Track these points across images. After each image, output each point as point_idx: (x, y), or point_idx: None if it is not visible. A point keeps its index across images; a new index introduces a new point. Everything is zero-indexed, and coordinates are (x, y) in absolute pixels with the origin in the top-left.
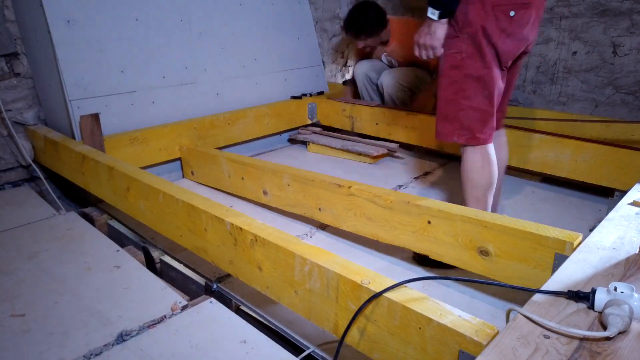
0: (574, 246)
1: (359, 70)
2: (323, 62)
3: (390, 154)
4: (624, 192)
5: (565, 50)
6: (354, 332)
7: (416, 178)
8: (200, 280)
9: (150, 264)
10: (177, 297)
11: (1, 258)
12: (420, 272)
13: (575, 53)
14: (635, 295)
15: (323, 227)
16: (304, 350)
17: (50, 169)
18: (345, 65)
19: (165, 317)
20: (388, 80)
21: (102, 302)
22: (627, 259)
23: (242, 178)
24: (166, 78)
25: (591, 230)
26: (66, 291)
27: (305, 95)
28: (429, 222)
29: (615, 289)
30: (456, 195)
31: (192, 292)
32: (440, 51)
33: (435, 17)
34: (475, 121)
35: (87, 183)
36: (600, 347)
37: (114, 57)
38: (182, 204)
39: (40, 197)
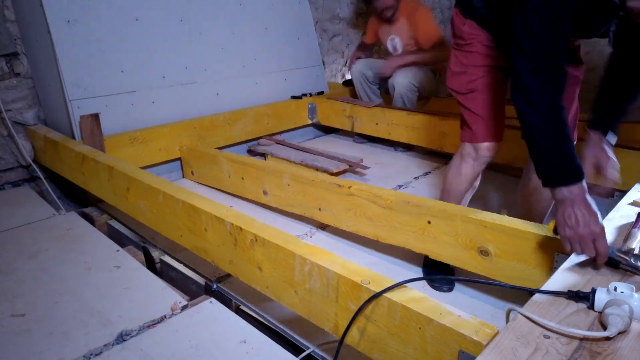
0: None
1: (355, 69)
2: (323, 62)
3: (352, 169)
4: (624, 192)
5: None
6: (354, 332)
7: (416, 178)
8: (200, 280)
9: (150, 264)
10: (177, 297)
11: (1, 258)
12: (420, 272)
13: None
14: (635, 295)
15: (323, 227)
16: (304, 350)
17: (50, 169)
18: (345, 65)
19: (165, 317)
20: (401, 80)
21: (102, 302)
22: None
23: (242, 178)
24: (166, 78)
25: None
26: (66, 291)
27: (305, 95)
28: (429, 222)
29: (615, 289)
30: None
31: (192, 292)
32: None
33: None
34: None
35: (87, 183)
36: (600, 347)
37: (114, 57)
38: (182, 204)
39: (40, 197)
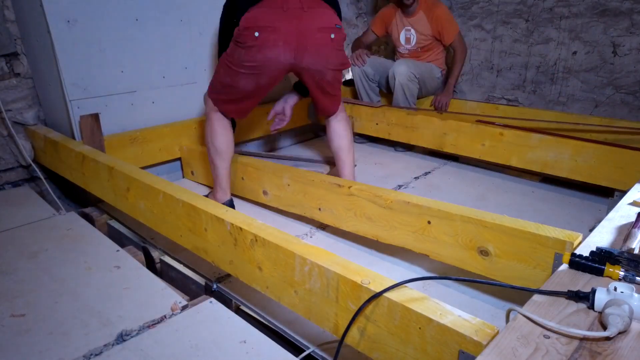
0: (574, 246)
1: (355, 66)
2: None
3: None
4: (624, 192)
5: (565, 50)
6: (354, 332)
7: (416, 178)
8: (200, 280)
9: (150, 264)
10: (177, 297)
11: (1, 258)
12: (420, 272)
13: (575, 53)
14: (635, 295)
15: (323, 227)
16: (304, 350)
17: (50, 169)
18: None
19: (165, 317)
20: (402, 69)
21: (102, 302)
22: None
23: (242, 178)
24: (166, 78)
25: (591, 231)
26: (66, 291)
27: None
28: (429, 222)
29: (615, 289)
30: (456, 195)
31: (192, 292)
32: None
33: None
34: None
35: (87, 183)
36: (600, 347)
37: (114, 57)
38: (182, 204)
39: (40, 197)
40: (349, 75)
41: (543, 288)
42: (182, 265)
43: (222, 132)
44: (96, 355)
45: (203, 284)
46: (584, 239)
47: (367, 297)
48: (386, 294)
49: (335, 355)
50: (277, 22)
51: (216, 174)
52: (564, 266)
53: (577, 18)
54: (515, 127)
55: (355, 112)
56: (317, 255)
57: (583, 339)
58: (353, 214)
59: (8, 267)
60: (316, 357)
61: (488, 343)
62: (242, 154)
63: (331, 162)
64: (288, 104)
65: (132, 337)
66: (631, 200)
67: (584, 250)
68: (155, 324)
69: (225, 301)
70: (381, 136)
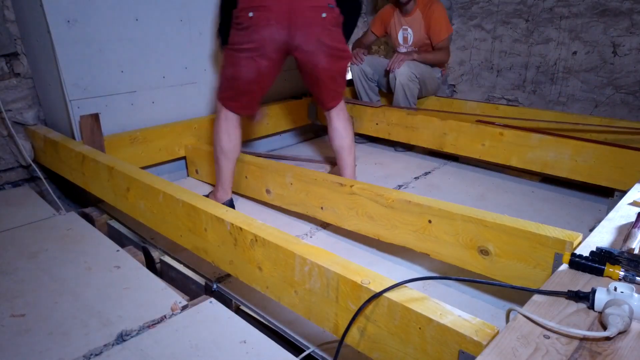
0: (574, 246)
1: (353, 65)
2: None
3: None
4: (624, 192)
5: (565, 50)
6: (354, 332)
7: (416, 178)
8: (200, 280)
9: (150, 264)
10: (177, 297)
11: (1, 258)
12: (421, 271)
13: (575, 53)
14: (635, 295)
15: (325, 225)
16: (304, 350)
17: (50, 169)
18: None
19: (165, 317)
20: (403, 70)
21: (102, 302)
22: None
23: (246, 177)
24: (166, 78)
25: (591, 230)
26: (66, 291)
27: (305, 95)
28: (429, 222)
29: (615, 289)
30: (456, 194)
31: (192, 292)
32: None
33: None
34: None
35: (87, 183)
36: (600, 347)
37: (114, 57)
38: (182, 204)
39: (40, 197)
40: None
41: (543, 288)
42: (182, 265)
43: (228, 132)
44: (96, 355)
45: (203, 284)
46: (584, 239)
47: (367, 297)
48: (386, 294)
49: (335, 355)
50: (269, 1)
51: (219, 173)
52: (564, 266)
53: (577, 18)
54: (515, 127)
55: (355, 112)
56: (317, 255)
57: (583, 339)
58: (355, 212)
59: (8, 267)
60: (316, 357)
61: (488, 343)
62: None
63: (332, 162)
64: None
65: (132, 337)
66: (631, 200)
67: (584, 250)
68: (155, 324)
69: (225, 301)
70: (381, 136)
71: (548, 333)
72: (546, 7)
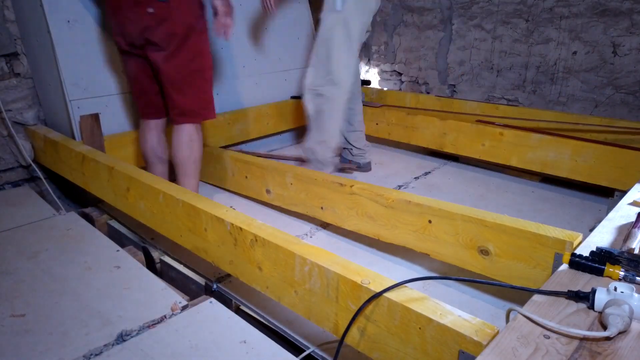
0: (574, 246)
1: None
2: None
3: None
4: (624, 192)
5: (565, 50)
6: (354, 332)
7: (416, 178)
8: (200, 280)
9: (150, 264)
10: (177, 297)
11: (1, 258)
12: (420, 271)
13: (575, 53)
14: (635, 295)
15: (325, 226)
16: (304, 350)
17: (50, 169)
18: None
19: (165, 317)
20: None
21: (102, 302)
22: None
23: (246, 177)
24: None
25: (591, 230)
26: (66, 291)
27: None
28: (429, 222)
29: (615, 289)
30: (456, 194)
31: (192, 292)
32: None
33: None
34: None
35: (87, 183)
36: (600, 347)
37: (114, 57)
38: (182, 204)
39: (40, 197)
40: None
41: (543, 288)
42: (182, 265)
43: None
44: (96, 355)
45: (203, 284)
46: (584, 239)
47: (367, 297)
48: (386, 294)
49: (335, 355)
50: None
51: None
52: (564, 266)
53: (577, 18)
54: (515, 127)
55: None
56: (317, 255)
57: (583, 339)
58: (355, 212)
59: (8, 267)
60: (316, 357)
61: (488, 343)
62: (244, 154)
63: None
64: None
65: (132, 337)
66: (631, 200)
67: (584, 250)
68: (155, 324)
69: (225, 301)
70: (381, 136)
71: (548, 333)
72: (546, 7)
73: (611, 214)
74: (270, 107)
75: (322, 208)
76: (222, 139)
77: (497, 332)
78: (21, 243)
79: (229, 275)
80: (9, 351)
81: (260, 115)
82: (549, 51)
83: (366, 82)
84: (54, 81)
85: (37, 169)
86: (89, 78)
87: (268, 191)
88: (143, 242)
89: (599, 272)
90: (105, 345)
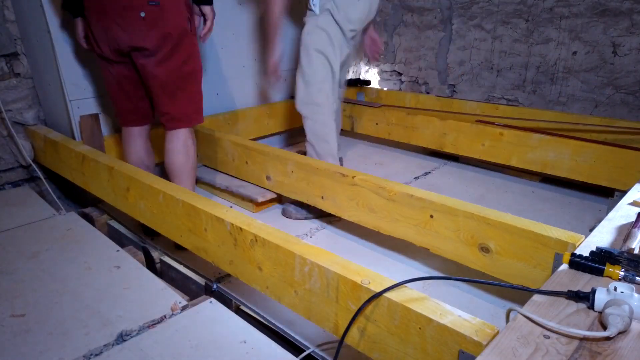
0: (576, 247)
1: None
2: None
3: (279, 200)
4: (624, 192)
5: (565, 50)
6: (354, 332)
7: (416, 178)
8: (200, 280)
9: (150, 264)
10: (177, 297)
11: (1, 258)
12: (421, 269)
13: (575, 53)
14: (635, 295)
15: (324, 225)
16: (304, 350)
17: (50, 169)
18: None
19: (165, 317)
20: None
21: (102, 302)
22: None
23: (246, 162)
24: None
25: (591, 230)
26: (66, 291)
27: None
28: (431, 216)
29: (615, 289)
30: (457, 194)
31: (192, 292)
32: None
33: None
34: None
35: (87, 183)
36: (600, 347)
37: None
38: (182, 204)
39: (40, 197)
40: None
41: (543, 288)
42: (182, 265)
43: (127, 147)
44: (96, 355)
45: (203, 284)
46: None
47: (367, 297)
48: (386, 294)
49: (335, 355)
50: None
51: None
52: (564, 266)
53: (577, 18)
54: (515, 127)
55: (355, 112)
56: (317, 255)
57: (583, 339)
58: (355, 204)
59: (8, 267)
60: (316, 357)
61: (488, 343)
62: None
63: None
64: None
65: (132, 337)
66: (631, 200)
67: (584, 250)
68: (155, 324)
69: (225, 301)
70: (381, 136)
71: (548, 333)
72: (546, 7)
73: (611, 214)
74: (270, 107)
75: (322, 197)
76: None
77: (497, 332)
78: (21, 243)
79: (229, 275)
80: (9, 351)
81: (260, 115)
82: (549, 51)
83: (366, 82)
84: (54, 81)
85: (37, 169)
86: (89, 78)
87: (268, 178)
88: (143, 242)
89: (599, 272)
90: (105, 345)
